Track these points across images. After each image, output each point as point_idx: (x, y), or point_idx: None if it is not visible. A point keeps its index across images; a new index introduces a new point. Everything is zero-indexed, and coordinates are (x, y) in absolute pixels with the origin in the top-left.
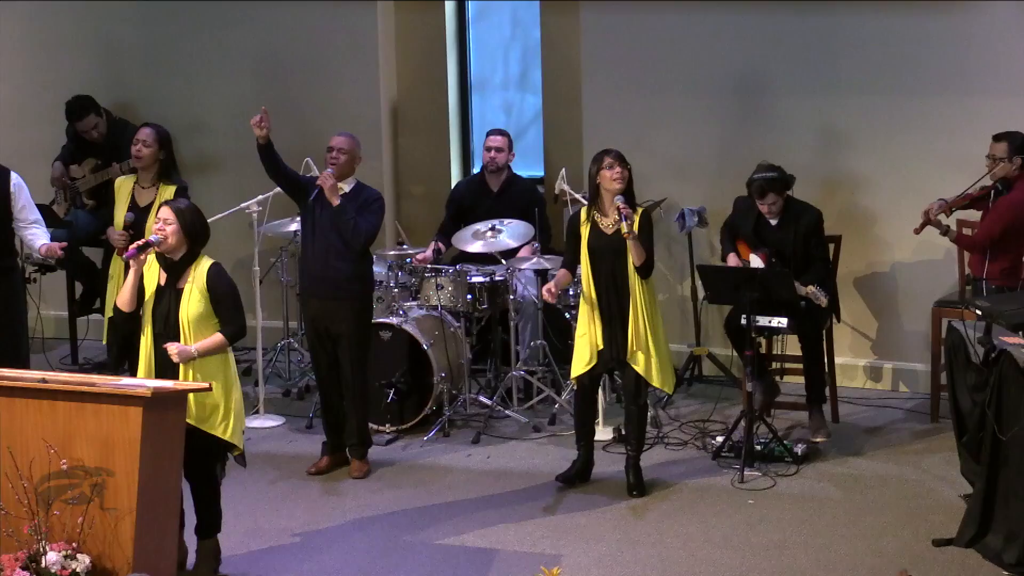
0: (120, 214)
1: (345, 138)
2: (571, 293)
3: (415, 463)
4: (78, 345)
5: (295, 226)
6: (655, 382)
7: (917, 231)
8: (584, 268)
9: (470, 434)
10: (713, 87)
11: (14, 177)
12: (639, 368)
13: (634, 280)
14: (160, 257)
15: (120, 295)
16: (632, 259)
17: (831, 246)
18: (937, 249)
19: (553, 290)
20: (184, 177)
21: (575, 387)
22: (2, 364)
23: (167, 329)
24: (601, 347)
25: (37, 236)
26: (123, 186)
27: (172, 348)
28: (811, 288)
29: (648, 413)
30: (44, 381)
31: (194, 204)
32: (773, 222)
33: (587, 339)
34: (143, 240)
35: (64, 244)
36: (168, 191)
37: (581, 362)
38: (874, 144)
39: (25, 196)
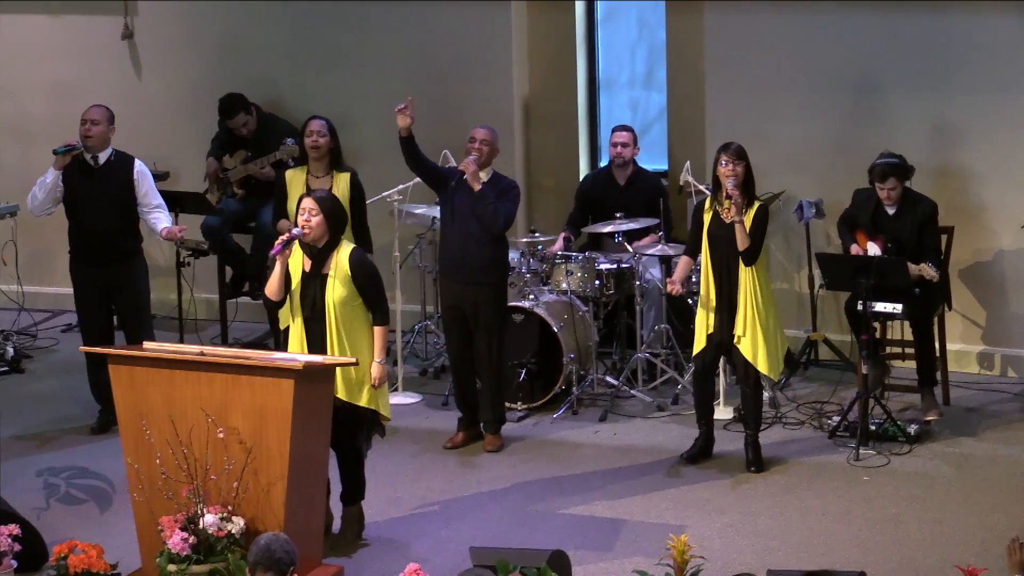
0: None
1: (487, 131)
2: (693, 280)
3: (545, 439)
4: (228, 326)
5: (422, 209)
6: (760, 367)
7: None
8: (704, 255)
9: (597, 412)
10: (830, 84)
11: (137, 164)
12: (745, 352)
13: (745, 267)
14: (304, 246)
15: (268, 285)
16: (737, 243)
17: (944, 237)
18: None
19: (678, 286)
20: None
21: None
22: (127, 342)
23: (315, 313)
24: (712, 331)
25: (160, 220)
26: (295, 179)
27: (375, 378)
28: (923, 265)
29: (763, 393)
30: (203, 355)
31: (333, 193)
32: (891, 211)
33: (702, 323)
34: (286, 236)
35: (183, 228)
36: (342, 178)
37: (698, 345)
38: (984, 139)
39: (148, 182)
